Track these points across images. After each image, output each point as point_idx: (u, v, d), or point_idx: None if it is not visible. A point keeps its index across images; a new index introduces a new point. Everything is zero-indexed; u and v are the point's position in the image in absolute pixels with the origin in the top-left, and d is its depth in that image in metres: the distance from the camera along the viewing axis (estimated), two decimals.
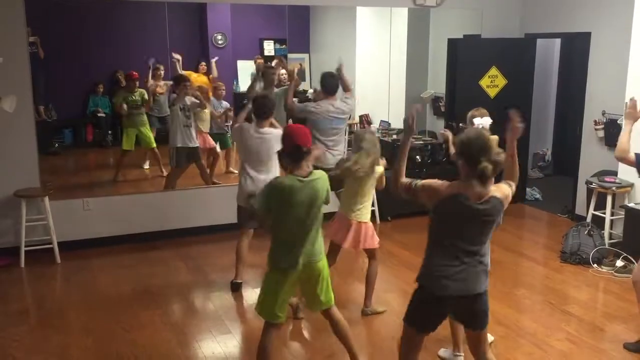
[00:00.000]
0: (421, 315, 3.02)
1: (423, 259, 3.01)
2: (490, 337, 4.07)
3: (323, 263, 3.51)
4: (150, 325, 4.50)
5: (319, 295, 3.54)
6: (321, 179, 3.38)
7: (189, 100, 6.53)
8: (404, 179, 3.04)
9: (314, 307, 3.64)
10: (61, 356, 4.07)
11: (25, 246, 5.66)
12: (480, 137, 2.83)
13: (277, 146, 4.06)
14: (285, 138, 3.40)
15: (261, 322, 4.53)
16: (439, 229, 2.94)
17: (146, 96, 7.19)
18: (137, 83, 7.13)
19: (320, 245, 3.48)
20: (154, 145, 7.24)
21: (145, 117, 7.19)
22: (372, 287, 4.60)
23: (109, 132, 7.78)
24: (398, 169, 3.07)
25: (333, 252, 4.49)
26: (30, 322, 4.65)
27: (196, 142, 6.73)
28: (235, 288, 5.08)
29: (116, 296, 5.04)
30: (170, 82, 7.05)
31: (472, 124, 4.69)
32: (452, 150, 3.94)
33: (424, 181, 2.97)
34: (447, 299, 2.90)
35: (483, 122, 4.73)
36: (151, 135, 7.22)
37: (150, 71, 7.26)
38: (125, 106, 7.04)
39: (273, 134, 4.77)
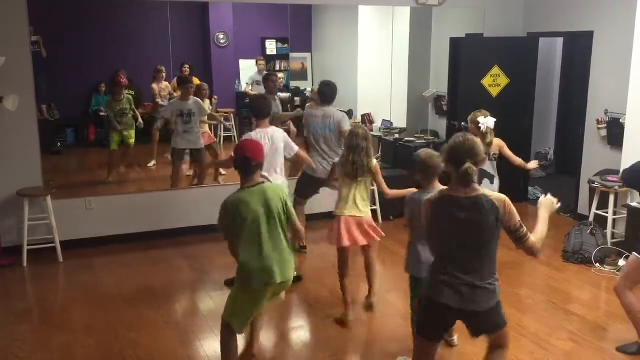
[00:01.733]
0: (425, 323, 3.01)
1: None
2: None
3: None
4: (152, 324, 4.51)
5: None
6: (272, 188, 3.46)
7: (196, 104, 6.61)
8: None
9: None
10: (64, 355, 4.08)
11: (28, 245, 5.67)
12: (469, 141, 2.87)
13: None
14: (236, 151, 3.48)
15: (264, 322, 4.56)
16: (436, 237, 2.97)
17: (130, 100, 7.18)
18: (124, 88, 7.12)
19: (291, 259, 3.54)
20: (131, 141, 7.26)
21: (131, 119, 7.19)
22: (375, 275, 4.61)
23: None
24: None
25: (344, 261, 4.44)
26: (32, 320, 4.66)
27: (199, 144, 6.78)
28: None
29: (118, 295, 5.05)
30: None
31: (475, 124, 4.67)
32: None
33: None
34: (446, 308, 2.87)
35: (487, 122, 4.72)
36: (132, 134, 7.24)
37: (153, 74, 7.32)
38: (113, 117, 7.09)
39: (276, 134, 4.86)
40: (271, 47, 8.69)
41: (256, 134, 4.81)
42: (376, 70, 8.46)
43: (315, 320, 4.58)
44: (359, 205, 4.34)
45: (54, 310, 4.80)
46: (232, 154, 3.60)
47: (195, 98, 6.76)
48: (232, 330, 3.49)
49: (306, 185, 5.74)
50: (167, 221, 6.39)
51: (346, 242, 4.32)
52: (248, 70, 8.45)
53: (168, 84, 7.54)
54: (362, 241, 4.36)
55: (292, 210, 3.57)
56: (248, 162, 3.40)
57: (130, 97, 7.22)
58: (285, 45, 8.46)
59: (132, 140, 7.21)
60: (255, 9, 7.88)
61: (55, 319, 4.63)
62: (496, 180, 5.29)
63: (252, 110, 5.04)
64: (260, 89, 7.25)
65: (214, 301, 4.94)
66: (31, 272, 5.58)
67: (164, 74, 7.37)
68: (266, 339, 4.31)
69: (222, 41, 8.33)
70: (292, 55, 8.51)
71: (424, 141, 7.52)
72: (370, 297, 4.60)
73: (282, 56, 8.65)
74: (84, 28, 7.22)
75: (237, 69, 8.51)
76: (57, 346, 4.19)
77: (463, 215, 2.80)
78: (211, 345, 4.21)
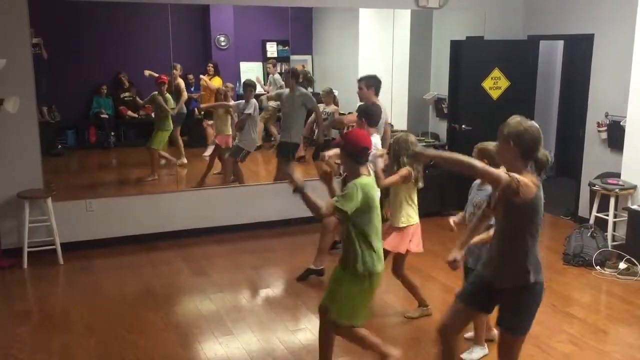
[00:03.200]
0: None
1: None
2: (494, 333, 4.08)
3: None
4: (152, 326, 4.50)
5: None
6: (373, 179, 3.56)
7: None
8: None
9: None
10: (63, 357, 4.08)
11: (28, 247, 5.67)
12: (536, 128, 2.93)
13: None
14: (355, 141, 3.49)
15: (262, 323, 4.55)
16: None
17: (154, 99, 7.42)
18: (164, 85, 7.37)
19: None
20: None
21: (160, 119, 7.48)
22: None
23: (112, 133, 7.79)
24: None
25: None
26: (32, 322, 4.66)
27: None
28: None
29: (119, 297, 5.04)
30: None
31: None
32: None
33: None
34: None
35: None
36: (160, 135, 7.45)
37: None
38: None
39: None
40: (272, 49, 8.70)
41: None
42: (377, 73, 8.43)
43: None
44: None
45: (54, 312, 4.80)
46: (345, 143, 3.54)
47: (255, 100, 7.12)
48: (355, 327, 3.53)
49: None
50: (167, 223, 6.40)
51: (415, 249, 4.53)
52: (249, 72, 8.45)
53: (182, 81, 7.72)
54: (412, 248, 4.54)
55: None
56: (366, 152, 3.46)
57: (157, 95, 7.37)
58: (286, 48, 8.47)
59: (154, 143, 7.38)
60: (256, 11, 7.88)
61: (55, 320, 4.63)
62: None
63: (366, 117, 4.92)
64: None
65: (214, 303, 4.94)
66: (31, 274, 5.58)
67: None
68: (262, 342, 4.31)
69: (222, 43, 8.34)
70: (293, 57, 8.51)
71: (424, 144, 7.52)
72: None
73: (283, 58, 8.66)
74: (85, 30, 7.24)
75: (238, 71, 8.51)
76: (57, 348, 4.19)
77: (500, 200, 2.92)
78: (211, 347, 4.21)
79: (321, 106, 7.40)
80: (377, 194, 3.62)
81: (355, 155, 3.44)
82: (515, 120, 2.98)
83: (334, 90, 7.80)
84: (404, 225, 4.46)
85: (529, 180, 2.81)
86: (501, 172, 2.83)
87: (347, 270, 3.47)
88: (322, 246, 5.40)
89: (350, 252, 3.43)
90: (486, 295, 3.12)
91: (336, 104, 7.78)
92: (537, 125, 2.97)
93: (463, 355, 4.00)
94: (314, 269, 5.38)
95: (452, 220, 3.77)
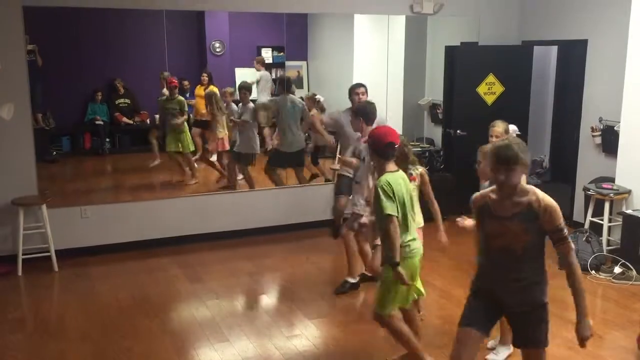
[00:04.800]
0: None
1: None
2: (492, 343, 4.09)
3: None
4: (147, 333, 4.49)
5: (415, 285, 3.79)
6: (403, 175, 3.70)
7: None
8: None
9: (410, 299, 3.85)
10: None
11: (23, 254, 5.65)
12: (521, 144, 2.84)
13: None
14: (381, 137, 3.64)
15: (258, 329, 4.54)
16: None
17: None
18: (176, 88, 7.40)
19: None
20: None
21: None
22: None
23: (107, 139, 7.77)
24: None
25: None
26: (27, 330, 4.63)
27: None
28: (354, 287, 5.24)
29: (114, 304, 5.02)
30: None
31: (507, 132, 4.56)
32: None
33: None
34: None
35: (514, 127, 4.76)
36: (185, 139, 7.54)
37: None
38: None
39: None
40: (267, 55, 8.70)
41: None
42: (372, 79, 8.43)
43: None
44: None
45: (49, 319, 4.78)
46: (371, 140, 3.69)
47: (251, 103, 7.15)
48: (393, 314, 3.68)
49: None
50: (162, 229, 6.38)
51: None
52: (244, 78, 8.44)
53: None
54: None
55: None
56: (392, 147, 3.60)
57: (182, 99, 7.43)
58: (281, 54, 8.48)
59: (184, 147, 7.43)
60: (251, 17, 7.89)
61: (50, 327, 4.60)
62: None
63: (363, 116, 4.96)
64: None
65: (209, 309, 4.93)
66: (26, 281, 5.56)
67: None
68: (258, 349, 4.30)
69: (217, 50, 8.34)
70: (288, 63, 8.52)
71: (419, 149, 7.54)
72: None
73: (278, 64, 8.67)
74: (80, 36, 7.23)
75: (233, 78, 8.51)
76: (52, 355, 4.17)
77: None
78: (207, 354, 4.20)
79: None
80: (407, 186, 3.68)
81: (381, 150, 3.58)
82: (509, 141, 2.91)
83: (318, 96, 7.80)
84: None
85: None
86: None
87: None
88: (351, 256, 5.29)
89: (384, 246, 3.58)
90: (493, 316, 3.07)
91: (322, 109, 7.74)
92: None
93: (489, 357, 4.05)
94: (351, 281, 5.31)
95: (465, 223, 3.75)
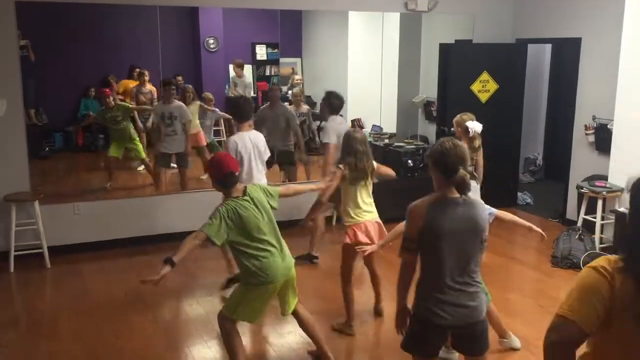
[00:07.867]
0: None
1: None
2: None
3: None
4: (140, 331, 4.47)
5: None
6: (253, 189, 3.64)
7: (178, 107, 6.65)
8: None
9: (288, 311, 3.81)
10: None
11: (15, 251, 5.63)
12: (459, 147, 2.78)
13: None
14: (218, 167, 3.58)
15: (251, 327, 4.54)
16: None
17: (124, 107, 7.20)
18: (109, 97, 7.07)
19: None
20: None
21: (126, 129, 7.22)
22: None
23: (100, 136, 7.75)
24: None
25: (351, 267, 4.43)
26: (19, 328, 4.62)
27: (182, 148, 6.75)
28: None
29: (106, 301, 5.01)
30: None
31: (463, 128, 4.63)
32: None
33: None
34: None
35: (475, 126, 4.72)
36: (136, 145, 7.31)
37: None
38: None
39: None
40: (261, 52, 8.70)
41: (238, 137, 4.81)
42: (366, 76, 8.48)
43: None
44: (370, 207, 4.38)
45: (41, 317, 4.76)
46: (210, 170, 3.65)
47: (179, 102, 6.74)
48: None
49: None
50: (155, 227, 6.36)
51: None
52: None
53: (154, 88, 7.51)
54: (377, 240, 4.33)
55: (276, 189, 3.79)
56: (233, 176, 3.55)
57: (124, 104, 7.21)
58: (276, 50, 8.48)
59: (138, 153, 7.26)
60: (246, 14, 7.88)
61: (42, 326, 4.59)
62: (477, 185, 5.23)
63: (233, 113, 4.99)
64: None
65: (202, 307, 4.92)
66: (18, 278, 5.53)
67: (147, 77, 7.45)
68: (251, 346, 4.30)
69: (212, 46, 8.33)
70: (282, 60, 8.52)
71: (413, 146, 7.54)
72: (379, 303, 4.71)
73: (272, 61, 8.66)
74: (73, 32, 7.20)
75: (227, 74, 8.50)
76: (44, 354, 4.15)
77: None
78: (200, 351, 4.19)
79: (291, 108, 7.34)
80: (263, 205, 3.68)
81: (221, 181, 3.60)
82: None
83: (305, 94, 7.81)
84: (348, 224, 4.35)
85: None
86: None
87: None
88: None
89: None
90: (441, 338, 2.94)
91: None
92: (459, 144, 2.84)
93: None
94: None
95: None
